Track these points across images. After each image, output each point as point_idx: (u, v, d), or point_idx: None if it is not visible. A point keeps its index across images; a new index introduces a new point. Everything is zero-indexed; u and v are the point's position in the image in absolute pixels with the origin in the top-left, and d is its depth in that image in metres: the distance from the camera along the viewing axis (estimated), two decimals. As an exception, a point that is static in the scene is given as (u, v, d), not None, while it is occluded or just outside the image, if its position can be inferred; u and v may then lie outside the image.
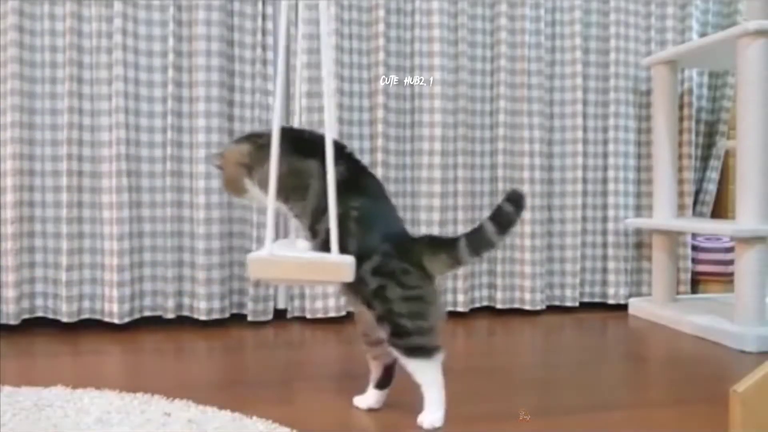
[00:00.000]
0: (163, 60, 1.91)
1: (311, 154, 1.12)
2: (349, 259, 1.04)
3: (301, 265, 1.05)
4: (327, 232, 1.06)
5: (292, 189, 1.14)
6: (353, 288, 1.10)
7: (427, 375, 1.10)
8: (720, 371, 1.50)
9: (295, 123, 1.28)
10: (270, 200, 1.06)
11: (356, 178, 1.14)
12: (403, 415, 1.16)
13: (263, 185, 1.16)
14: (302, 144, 1.15)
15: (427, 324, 1.09)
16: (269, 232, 1.07)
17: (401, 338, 1.08)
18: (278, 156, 1.06)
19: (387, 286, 1.08)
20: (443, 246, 1.11)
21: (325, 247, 1.06)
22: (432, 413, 1.10)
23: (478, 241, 1.09)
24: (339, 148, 1.16)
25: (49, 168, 1.85)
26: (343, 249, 1.05)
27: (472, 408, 1.21)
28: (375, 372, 1.19)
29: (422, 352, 1.09)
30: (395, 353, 1.10)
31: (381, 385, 1.19)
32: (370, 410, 1.18)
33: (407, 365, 1.09)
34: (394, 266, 1.09)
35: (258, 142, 1.21)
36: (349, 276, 1.04)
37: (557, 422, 1.14)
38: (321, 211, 1.08)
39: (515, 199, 1.08)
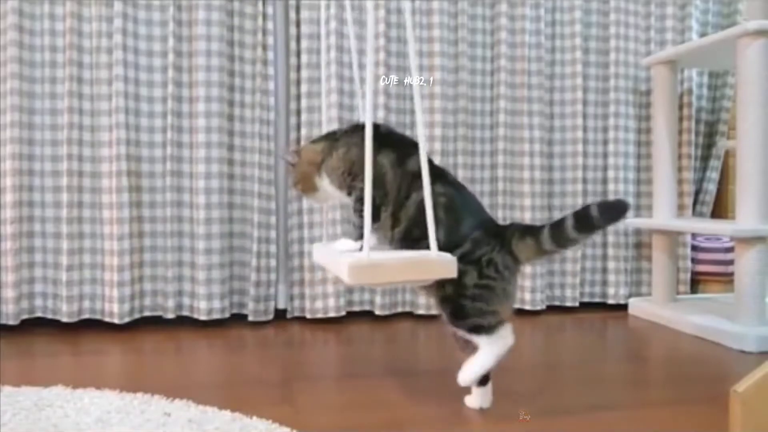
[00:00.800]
0: (163, 60, 1.91)
1: (384, 144, 1.16)
2: (450, 257, 1.06)
3: (404, 267, 1.03)
4: (410, 219, 1.11)
5: (359, 179, 1.13)
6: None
7: (486, 343, 1.13)
8: (720, 371, 1.50)
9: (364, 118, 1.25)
10: (366, 207, 1.03)
11: (434, 167, 1.16)
12: (402, 413, 1.16)
13: (330, 172, 1.23)
14: (377, 138, 1.13)
15: (486, 307, 1.12)
16: (367, 234, 1.03)
17: (461, 319, 1.12)
18: (351, 146, 1.12)
19: (467, 272, 1.11)
20: (530, 232, 1.13)
21: (406, 233, 1.10)
22: (469, 371, 1.14)
23: (559, 233, 1.11)
24: (411, 141, 1.20)
25: (49, 168, 1.85)
26: (427, 233, 1.06)
27: (471, 407, 1.21)
28: None
29: (483, 329, 1.12)
30: (451, 327, 1.14)
31: (482, 382, 1.20)
32: (482, 410, 1.19)
33: (471, 338, 1.13)
34: (481, 254, 1.12)
35: (333, 136, 1.27)
36: (453, 272, 1.05)
37: (557, 422, 1.14)
38: (402, 198, 1.12)
39: (607, 208, 1.10)
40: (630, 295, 2.22)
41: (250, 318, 1.94)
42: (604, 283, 2.22)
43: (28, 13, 1.83)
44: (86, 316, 1.86)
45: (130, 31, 1.87)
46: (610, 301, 2.20)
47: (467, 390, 1.23)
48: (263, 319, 1.96)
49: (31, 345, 1.70)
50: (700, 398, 1.27)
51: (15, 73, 1.79)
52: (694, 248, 2.27)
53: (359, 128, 1.19)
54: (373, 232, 1.17)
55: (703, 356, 1.61)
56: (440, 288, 1.12)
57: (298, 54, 2.00)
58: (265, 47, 1.97)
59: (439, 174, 1.16)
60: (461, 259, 1.10)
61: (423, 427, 1.12)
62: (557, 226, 1.11)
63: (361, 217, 1.11)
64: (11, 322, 1.79)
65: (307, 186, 1.28)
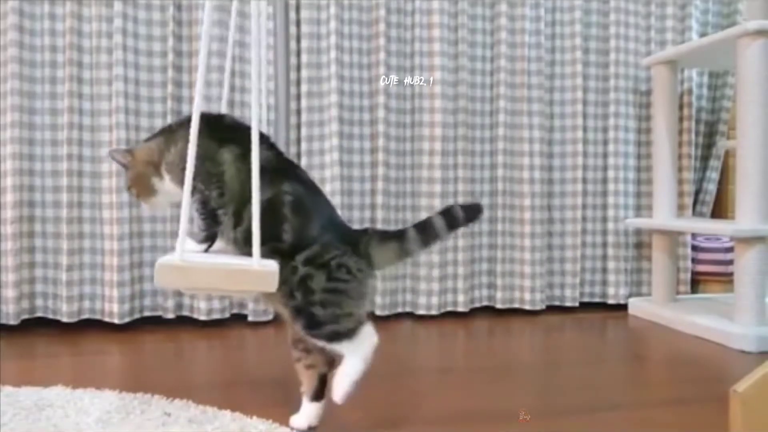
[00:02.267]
0: (163, 60, 1.91)
1: (228, 139, 1.07)
2: (274, 267, 0.96)
3: (218, 274, 0.93)
4: (251, 219, 0.99)
5: (206, 174, 1.05)
6: (281, 281, 1.02)
7: (350, 350, 1.05)
8: (720, 371, 1.50)
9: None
10: (185, 197, 0.95)
11: (286, 165, 1.08)
12: (402, 413, 1.16)
13: (170, 169, 1.10)
14: (219, 129, 1.09)
15: (340, 311, 1.04)
16: (182, 232, 0.95)
17: (316, 328, 1.03)
18: (184, 145, 0.99)
19: (314, 276, 1.03)
20: (392, 236, 1.09)
21: (248, 234, 0.98)
22: (341, 381, 1.04)
23: (427, 233, 1.08)
24: (263, 138, 1.09)
25: (49, 168, 1.85)
26: (277, 237, 1.01)
27: (472, 407, 1.21)
28: (309, 383, 1.12)
29: (342, 335, 1.04)
30: (311, 340, 1.05)
31: (317, 396, 1.11)
32: (311, 429, 1.10)
33: (332, 347, 1.05)
34: (330, 258, 1.04)
35: (167, 130, 1.15)
36: (273, 286, 0.95)
37: (557, 422, 1.14)
38: (247, 195, 1.00)
39: (471, 211, 1.11)
40: (630, 295, 2.22)
41: (250, 318, 1.94)
42: (604, 283, 2.22)
43: (28, 13, 1.83)
44: (86, 316, 1.86)
45: (130, 31, 1.87)
46: (610, 301, 2.19)
47: (467, 390, 1.23)
48: (263, 319, 1.96)
49: (31, 345, 1.70)
50: (700, 398, 1.27)
51: (15, 73, 1.79)
52: (694, 248, 2.27)
53: (203, 117, 1.05)
54: (219, 235, 1.08)
55: (703, 356, 1.61)
56: (290, 298, 1.04)
57: (298, 54, 2.00)
58: (265, 47, 1.97)
59: (287, 171, 1.07)
60: (308, 263, 1.03)
61: (423, 427, 1.12)
62: (425, 226, 1.08)
63: (204, 219, 1.05)
64: (11, 322, 1.79)
65: (143, 189, 1.15)
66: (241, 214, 1.04)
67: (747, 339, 1.65)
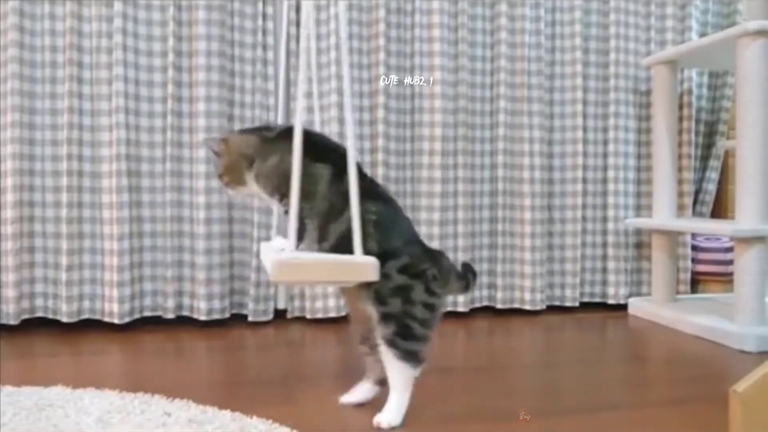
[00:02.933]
0: (163, 60, 1.91)
1: (322, 158, 1.13)
2: (374, 260, 1.04)
3: (328, 267, 1.04)
4: (339, 235, 1.08)
5: (299, 190, 1.11)
6: (367, 285, 1.09)
7: (404, 380, 1.11)
8: (720, 371, 1.50)
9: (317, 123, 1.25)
10: (293, 202, 1.03)
11: (369, 185, 1.14)
12: (405, 411, 1.16)
13: (261, 181, 1.17)
14: (312, 147, 1.12)
15: (430, 334, 1.11)
16: (291, 234, 1.04)
17: (405, 340, 1.08)
18: (286, 154, 1.06)
19: (413, 287, 1.09)
20: (463, 276, 1.17)
21: (336, 249, 1.08)
22: (394, 413, 1.11)
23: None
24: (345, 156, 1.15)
25: (49, 168, 1.85)
26: (364, 250, 1.05)
27: (472, 407, 1.21)
28: (376, 373, 1.19)
29: (414, 359, 1.09)
30: (387, 350, 1.09)
31: (381, 383, 1.18)
32: (360, 405, 1.19)
33: (393, 365, 1.09)
34: (426, 268, 1.10)
35: (266, 135, 1.20)
36: (375, 275, 1.04)
37: (557, 422, 1.14)
38: (334, 213, 1.09)
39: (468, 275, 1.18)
40: (630, 295, 2.22)
41: (250, 318, 1.94)
42: (604, 283, 2.22)
43: (28, 13, 1.83)
44: (86, 316, 1.86)
45: (130, 31, 1.87)
46: (610, 301, 2.20)
47: (467, 390, 1.23)
48: (263, 319, 1.96)
49: (31, 345, 1.70)
50: (700, 398, 1.27)
51: (15, 73, 1.79)
52: (694, 248, 2.27)
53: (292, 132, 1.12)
54: (303, 242, 1.15)
55: (703, 356, 1.61)
56: (381, 303, 1.08)
57: (299, 54, 2.00)
58: (265, 47, 1.97)
59: (370, 191, 1.12)
60: (403, 272, 1.08)
61: (423, 427, 1.12)
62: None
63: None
64: (11, 322, 1.79)
65: (235, 178, 1.21)
66: (326, 230, 1.11)
67: (747, 339, 1.65)
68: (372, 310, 1.11)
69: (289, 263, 1.03)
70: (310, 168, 1.12)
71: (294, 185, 1.03)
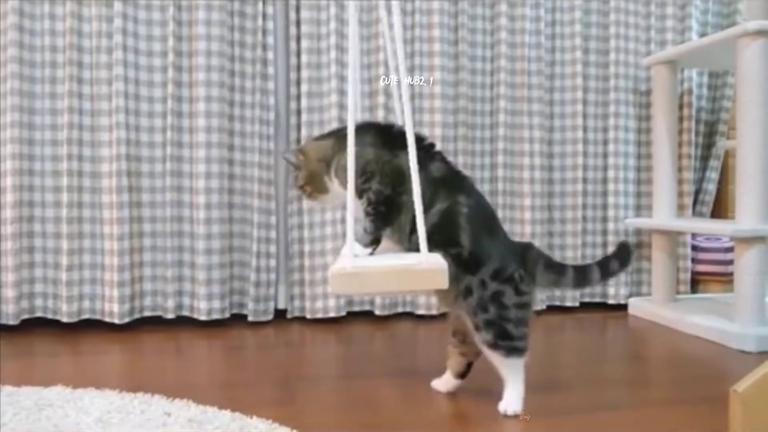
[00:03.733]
0: (163, 60, 1.91)
1: (403, 146, 1.08)
2: (442, 264, 0.99)
3: (391, 276, 0.96)
4: (432, 226, 1.07)
5: (384, 175, 1.11)
6: (463, 290, 1.10)
7: (515, 371, 1.15)
8: (720, 371, 1.50)
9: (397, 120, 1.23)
10: (349, 206, 0.99)
11: (460, 179, 1.13)
12: (402, 413, 1.16)
13: (340, 174, 1.15)
14: (393, 138, 1.12)
15: (527, 330, 1.13)
16: (349, 239, 0.97)
17: (505, 341, 1.11)
18: (361, 143, 1.05)
19: (505, 292, 1.10)
20: (555, 269, 1.17)
21: (428, 239, 1.03)
22: (514, 401, 1.15)
23: (582, 279, 1.18)
24: (430, 146, 1.17)
25: (49, 168, 1.85)
26: (456, 242, 1.05)
27: (472, 407, 1.21)
28: (457, 365, 1.25)
29: (518, 352, 1.13)
30: (492, 353, 1.12)
31: (461, 376, 1.25)
32: (448, 394, 1.26)
33: (500, 363, 1.13)
34: (513, 271, 1.11)
35: (340, 134, 1.19)
36: (444, 283, 0.99)
37: (558, 422, 1.14)
38: (426, 205, 1.06)
39: (623, 256, 1.19)
40: (630, 295, 2.22)
41: (250, 318, 1.94)
42: (604, 283, 2.22)
43: (28, 13, 1.83)
44: (86, 316, 1.86)
45: (130, 31, 1.87)
46: (610, 301, 2.19)
47: (467, 389, 1.23)
48: (263, 319, 1.96)
49: (31, 345, 1.70)
50: (700, 398, 1.27)
51: (15, 73, 1.79)
52: (694, 248, 2.27)
53: (368, 127, 1.17)
54: (387, 237, 1.13)
55: (703, 356, 1.61)
56: (482, 311, 1.10)
57: (298, 54, 2.00)
58: (265, 47, 1.97)
59: (462, 184, 1.13)
60: (495, 277, 1.10)
61: (423, 427, 1.12)
62: (582, 272, 1.18)
63: (373, 222, 1.09)
64: (11, 322, 1.79)
65: (317, 187, 1.20)
66: (415, 222, 1.08)
67: (747, 339, 1.65)
68: (467, 319, 1.13)
69: (349, 274, 0.95)
70: (396, 157, 1.10)
71: (350, 186, 0.99)
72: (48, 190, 1.85)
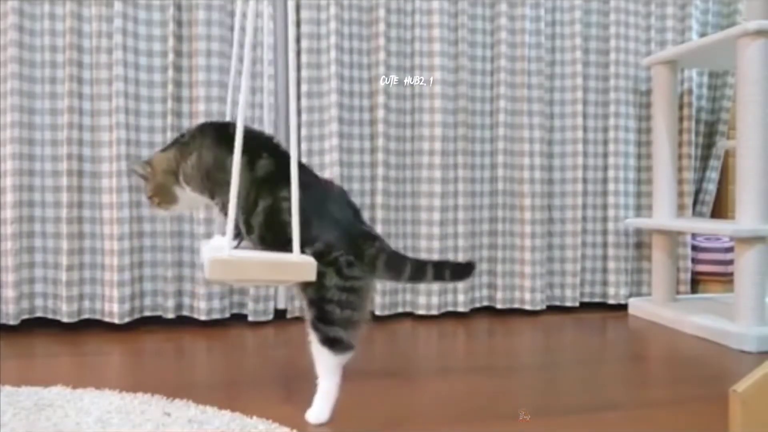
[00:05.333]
0: (163, 60, 1.91)
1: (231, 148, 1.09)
2: (311, 259, 1.04)
3: (263, 266, 1.03)
4: (260, 226, 1.09)
5: (217, 183, 1.13)
6: None
7: (328, 369, 1.11)
8: (720, 371, 1.50)
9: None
10: (231, 200, 1.02)
11: (286, 169, 1.06)
12: (401, 413, 1.16)
13: (189, 183, 1.18)
14: (228, 138, 1.10)
15: (354, 316, 1.09)
16: (229, 231, 1.03)
17: (324, 324, 1.08)
18: (203, 149, 1.09)
19: (326, 274, 1.07)
20: (395, 267, 1.11)
21: (261, 241, 1.09)
22: (320, 408, 1.11)
23: (418, 275, 1.12)
24: (265, 140, 1.17)
25: (49, 168, 1.85)
26: (282, 241, 1.05)
27: (472, 408, 1.21)
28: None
29: (338, 345, 1.09)
30: (311, 334, 1.10)
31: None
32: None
33: (317, 351, 1.10)
34: (338, 255, 1.07)
35: (181, 141, 1.21)
36: (312, 275, 1.03)
37: (557, 422, 1.14)
38: (251, 205, 1.09)
39: (459, 272, 1.14)
40: (630, 295, 2.22)
41: (250, 318, 1.94)
42: (604, 283, 2.22)
43: (28, 13, 1.83)
44: (86, 316, 1.86)
45: (130, 31, 1.87)
46: (610, 301, 2.19)
47: (467, 390, 1.23)
48: (263, 319, 1.96)
49: (31, 345, 1.70)
50: (700, 398, 1.27)
51: (15, 73, 1.79)
52: (694, 248, 2.27)
53: (207, 129, 1.18)
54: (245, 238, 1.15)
55: (703, 356, 1.61)
56: (302, 289, 1.09)
57: (298, 54, 2.00)
58: (258, 47, 1.97)
59: (285, 176, 1.06)
60: (317, 259, 1.06)
61: (423, 427, 1.12)
62: (420, 269, 1.11)
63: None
64: (11, 322, 1.79)
65: (166, 198, 1.22)
66: (250, 222, 1.11)
67: (747, 339, 1.65)
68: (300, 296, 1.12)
69: (224, 261, 1.02)
70: (222, 159, 1.12)
71: (234, 181, 1.01)
72: (48, 190, 1.85)
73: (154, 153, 1.29)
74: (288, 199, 1.06)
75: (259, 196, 1.10)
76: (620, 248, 2.20)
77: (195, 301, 1.91)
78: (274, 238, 1.07)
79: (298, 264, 1.03)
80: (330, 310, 1.08)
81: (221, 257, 1.02)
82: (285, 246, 1.05)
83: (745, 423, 0.77)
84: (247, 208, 1.11)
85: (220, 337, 1.79)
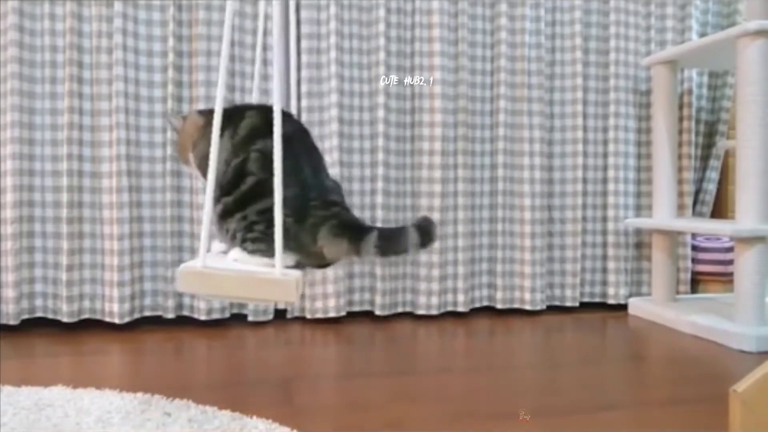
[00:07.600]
0: (163, 60, 1.91)
1: (230, 124, 1.08)
2: (295, 276, 0.94)
3: (238, 282, 0.94)
4: (222, 187, 1.05)
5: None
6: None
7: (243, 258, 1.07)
8: (720, 371, 1.50)
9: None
10: (207, 204, 0.96)
11: (269, 123, 0.99)
12: (401, 413, 1.16)
13: (197, 163, 1.19)
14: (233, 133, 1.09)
15: (262, 231, 1.03)
16: (203, 238, 0.96)
17: (224, 217, 1.07)
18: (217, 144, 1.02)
19: (260, 223, 1.04)
20: (349, 233, 1.01)
21: (224, 211, 1.05)
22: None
23: (394, 243, 1.01)
24: (245, 105, 1.13)
25: (49, 168, 1.85)
26: (229, 192, 1.02)
27: (472, 408, 1.21)
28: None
29: (258, 253, 1.05)
30: (220, 225, 1.09)
31: None
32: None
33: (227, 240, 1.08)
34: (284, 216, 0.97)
35: (210, 118, 1.10)
36: (294, 296, 0.94)
37: (557, 422, 1.14)
38: (224, 166, 1.05)
39: (426, 230, 1.05)
40: (630, 295, 2.22)
41: (250, 318, 1.94)
42: (604, 283, 2.22)
43: (28, 13, 1.83)
44: (86, 316, 1.86)
45: (130, 31, 1.87)
46: (610, 301, 2.20)
47: (467, 390, 1.23)
48: (263, 319, 1.96)
49: (31, 345, 1.70)
50: (700, 398, 1.27)
51: (15, 73, 1.79)
52: (694, 248, 2.27)
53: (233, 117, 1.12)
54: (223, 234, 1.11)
55: (703, 356, 1.61)
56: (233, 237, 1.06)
57: (298, 54, 2.00)
58: (265, 47, 1.97)
59: (265, 130, 1.00)
60: (259, 214, 1.01)
61: (423, 427, 1.12)
62: (395, 235, 1.00)
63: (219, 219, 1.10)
64: (11, 322, 1.79)
65: (182, 156, 1.24)
66: (220, 195, 1.07)
67: (747, 339, 1.65)
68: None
69: (196, 273, 0.94)
70: (221, 154, 1.08)
71: (209, 187, 0.96)
72: (48, 190, 1.85)
73: (193, 111, 1.28)
74: (259, 150, 1.02)
75: (233, 156, 1.06)
76: (620, 248, 2.20)
77: (195, 301, 1.91)
78: (228, 189, 1.02)
79: (278, 283, 0.93)
80: (257, 229, 1.04)
81: (194, 268, 0.94)
82: (229, 195, 1.02)
83: (745, 423, 0.77)
84: (223, 181, 1.07)
85: (220, 337, 1.79)
